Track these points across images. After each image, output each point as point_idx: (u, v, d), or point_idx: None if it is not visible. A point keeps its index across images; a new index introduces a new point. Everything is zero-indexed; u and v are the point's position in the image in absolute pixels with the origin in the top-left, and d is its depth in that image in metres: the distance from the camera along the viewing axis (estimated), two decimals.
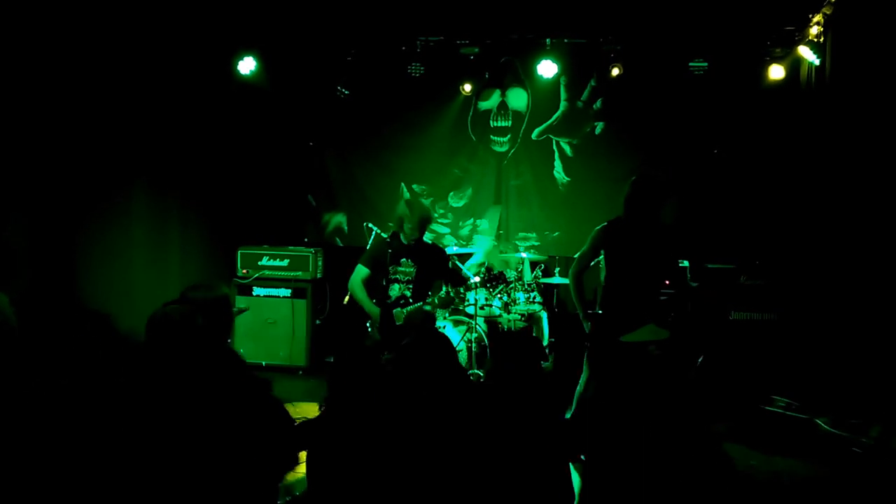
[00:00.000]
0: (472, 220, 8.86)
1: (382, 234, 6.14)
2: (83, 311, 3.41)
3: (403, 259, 5.94)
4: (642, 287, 5.44)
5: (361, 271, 6.00)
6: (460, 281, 6.58)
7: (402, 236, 5.94)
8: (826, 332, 6.32)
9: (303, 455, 3.49)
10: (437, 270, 6.13)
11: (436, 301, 6.08)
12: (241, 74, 7.92)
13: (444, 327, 7.34)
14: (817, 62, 6.95)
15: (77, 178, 6.28)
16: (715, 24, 7.34)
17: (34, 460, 2.96)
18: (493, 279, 6.69)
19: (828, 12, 6.72)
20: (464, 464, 3.30)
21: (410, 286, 5.91)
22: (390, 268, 5.91)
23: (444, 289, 6.27)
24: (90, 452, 3.00)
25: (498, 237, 8.65)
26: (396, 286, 5.90)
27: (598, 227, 5.62)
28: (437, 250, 6.24)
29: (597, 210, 7.21)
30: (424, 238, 6.10)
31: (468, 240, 8.77)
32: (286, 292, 7.91)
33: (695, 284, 7.24)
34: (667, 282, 5.72)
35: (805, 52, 7.04)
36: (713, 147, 8.08)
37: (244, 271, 7.93)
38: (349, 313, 6.15)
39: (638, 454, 3.24)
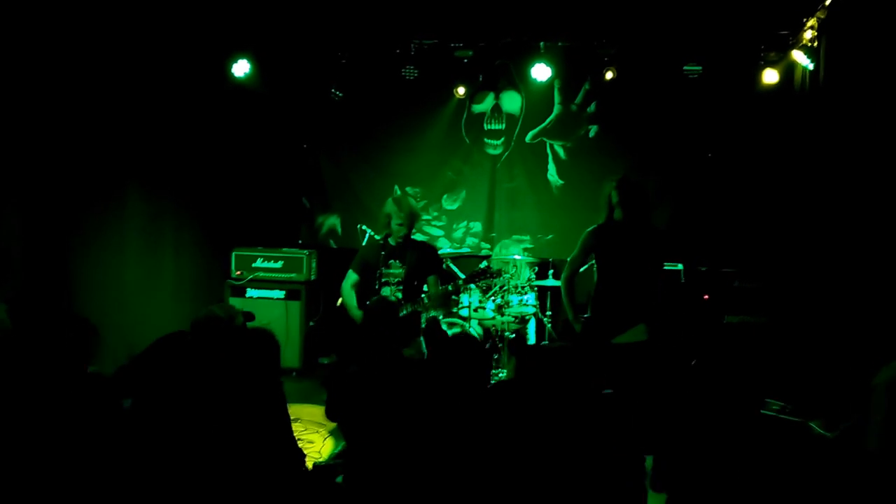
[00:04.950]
0: (465, 222, 8.86)
1: (376, 237, 6.12)
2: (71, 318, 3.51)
3: (391, 261, 5.88)
4: (633, 290, 5.46)
5: (351, 276, 5.98)
6: (450, 279, 6.50)
7: (390, 238, 5.88)
8: (820, 335, 6.33)
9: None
10: (427, 269, 5.98)
11: (426, 301, 5.97)
12: (236, 77, 7.90)
13: None
14: (811, 66, 6.97)
15: (71, 180, 6.26)
16: (709, 28, 7.36)
17: (31, 464, 2.95)
18: (480, 274, 6.60)
19: (822, 17, 6.73)
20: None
21: (400, 287, 5.87)
22: (381, 270, 5.86)
23: (434, 284, 6.02)
24: (93, 454, 3.00)
25: (489, 240, 8.68)
26: (387, 289, 5.86)
27: (588, 230, 5.64)
28: (427, 248, 6.14)
29: (590, 213, 7.20)
30: (416, 237, 6.06)
31: (462, 242, 8.77)
32: (280, 294, 7.89)
33: (688, 287, 7.25)
34: (658, 284, 5.73)
35: (799, 56, 7.06)
36: (707, 151, 8.09)
37: (238, 273, 7.91)
38: (342, 315, 6.13)
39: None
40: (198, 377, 3.35)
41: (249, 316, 4.55)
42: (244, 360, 3.49)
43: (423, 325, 5.64)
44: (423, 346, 5.86)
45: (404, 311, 5.71)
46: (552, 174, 8.65)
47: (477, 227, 8.82)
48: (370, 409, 3.81)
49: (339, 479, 3.95)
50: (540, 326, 7.85)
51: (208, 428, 3.17)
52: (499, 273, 7.50)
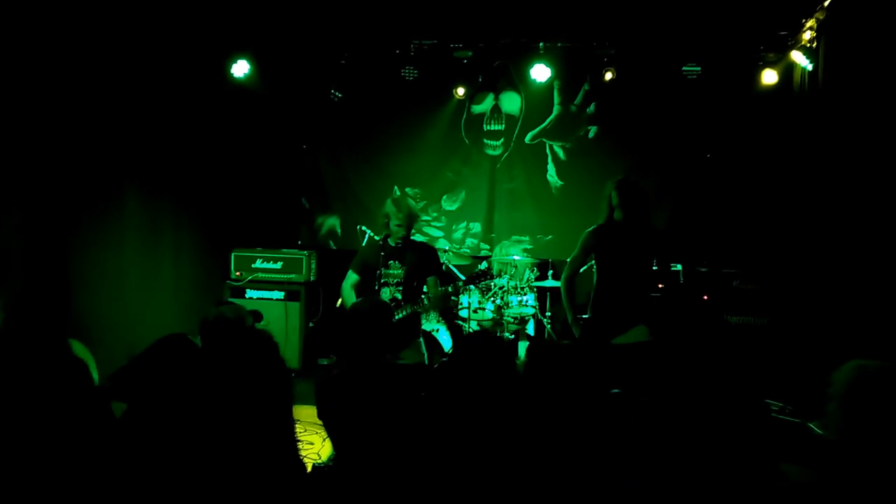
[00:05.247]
0: (465, 223, 8.87)
1: (375, 237, 6.10)
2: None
3: (391, 262, 5.84)
4: (632, 290, 5.46)
5: (351, 277, 5.95)
6: (450, 280, 6.46)
7: (389, 239, 5.84)
8: (819, 336, 6.34)
9: None
10: (427, 270, 5.86)
11: (425, 302, 5.91)
12: (235, 77, 7.90)
13: (437, 330, 7.35)
14: (810, 67, 6.98)
15: (71, 180, 6.25)
16: (708, 29, 7.36)
17: (33, 468, 2.94)
18: (479, 275, 6.55)
19: (821, 17, 6.74)
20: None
21: (400, 288, 5.84)
22: (381, 270, 5.83)
23: (434, 285, 5.86)
24: (90, 458, 2.99)
25: (489, 241, 8.67)
26: (387, 290, 5.83)
27: (587, 231, 5.64)
28: (426, 248, 6.03)
29: (590, 214, 7.21)
30: (415, 238, 6.03)
31: (461, 243, 8.78)
32: (279, 295, 7.87)
33: (687, 288, 7.26)
34: (657, 285, 5.74)
35: (798, 57, 7.07)
36: (706, 151, 8.10)
37: (237, 274, 7.91)
38: (342, 316, 6.12)
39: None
40: (204, 379, 3.33)
41: (258, 315, 4.51)
42: (253, 364, 3.46)
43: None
44: (423, 347, 5.85)
45: (404, 313, 5.69)
46: (552, 175, 8.66)
47: (476, 227, 8.83)
48: (352, 413, 3.78)
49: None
50: (539, 327, 7.85)
51: (213, 432, 3.15)
52: (498, 274, 7.52)
